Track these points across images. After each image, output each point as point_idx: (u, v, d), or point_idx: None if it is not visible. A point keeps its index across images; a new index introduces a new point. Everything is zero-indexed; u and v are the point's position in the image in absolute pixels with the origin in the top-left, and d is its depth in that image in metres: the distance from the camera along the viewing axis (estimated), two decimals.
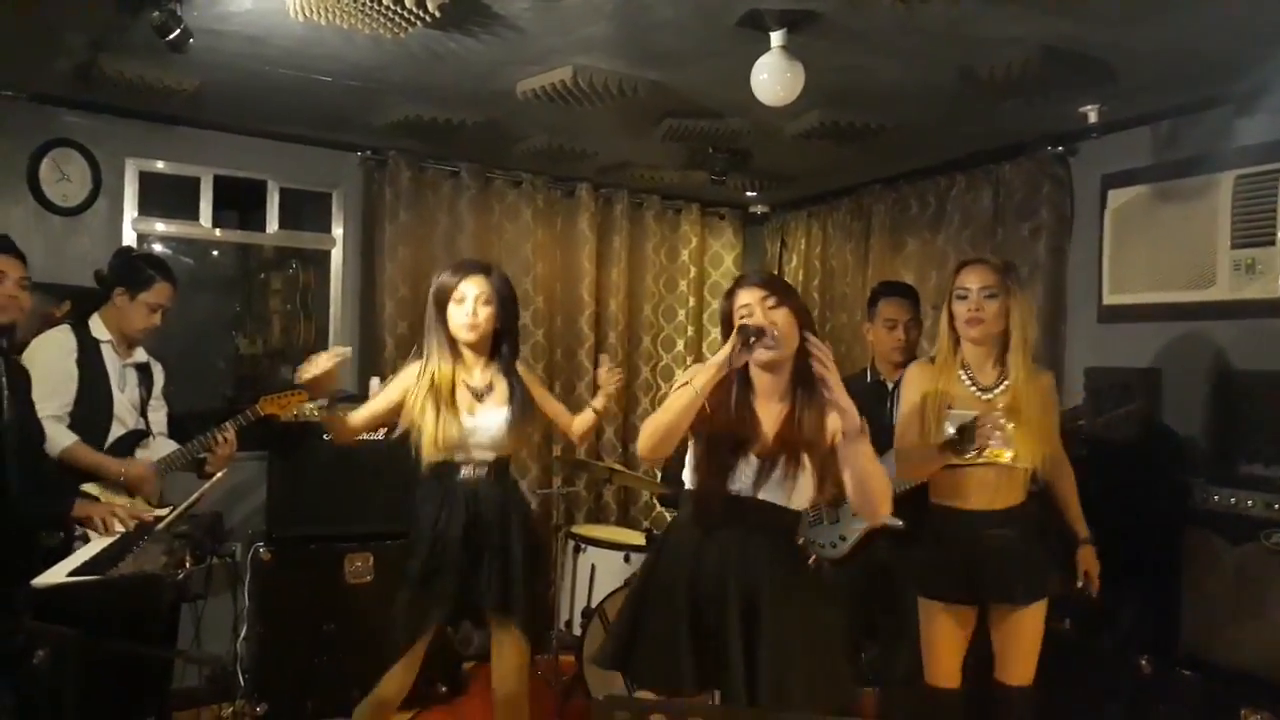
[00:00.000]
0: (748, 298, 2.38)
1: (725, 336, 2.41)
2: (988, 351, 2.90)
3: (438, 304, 3.02)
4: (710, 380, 2.26)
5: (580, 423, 3.37)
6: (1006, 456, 2.78)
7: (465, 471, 3.00)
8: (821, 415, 2.36)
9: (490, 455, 3.03)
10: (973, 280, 2.87)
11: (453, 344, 3.03)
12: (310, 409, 3.87)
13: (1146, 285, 3.82)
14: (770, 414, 2.40)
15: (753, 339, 2.28)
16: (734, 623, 2.28)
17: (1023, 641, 2.85)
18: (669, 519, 5.16)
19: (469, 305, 2.98)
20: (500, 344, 3.10)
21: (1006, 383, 2.85)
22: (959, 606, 2.89)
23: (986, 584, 2.83)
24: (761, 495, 2.34)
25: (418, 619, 2.92)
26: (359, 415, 3.04)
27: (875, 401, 3.75)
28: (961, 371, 2.91)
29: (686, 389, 2.27)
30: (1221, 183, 3.56)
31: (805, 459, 2.35)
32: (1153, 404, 3.56)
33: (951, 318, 2.92)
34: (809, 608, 2.36)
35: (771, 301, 2.36)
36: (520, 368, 3.17)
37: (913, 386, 2.95)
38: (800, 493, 2.37)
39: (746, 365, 2.38)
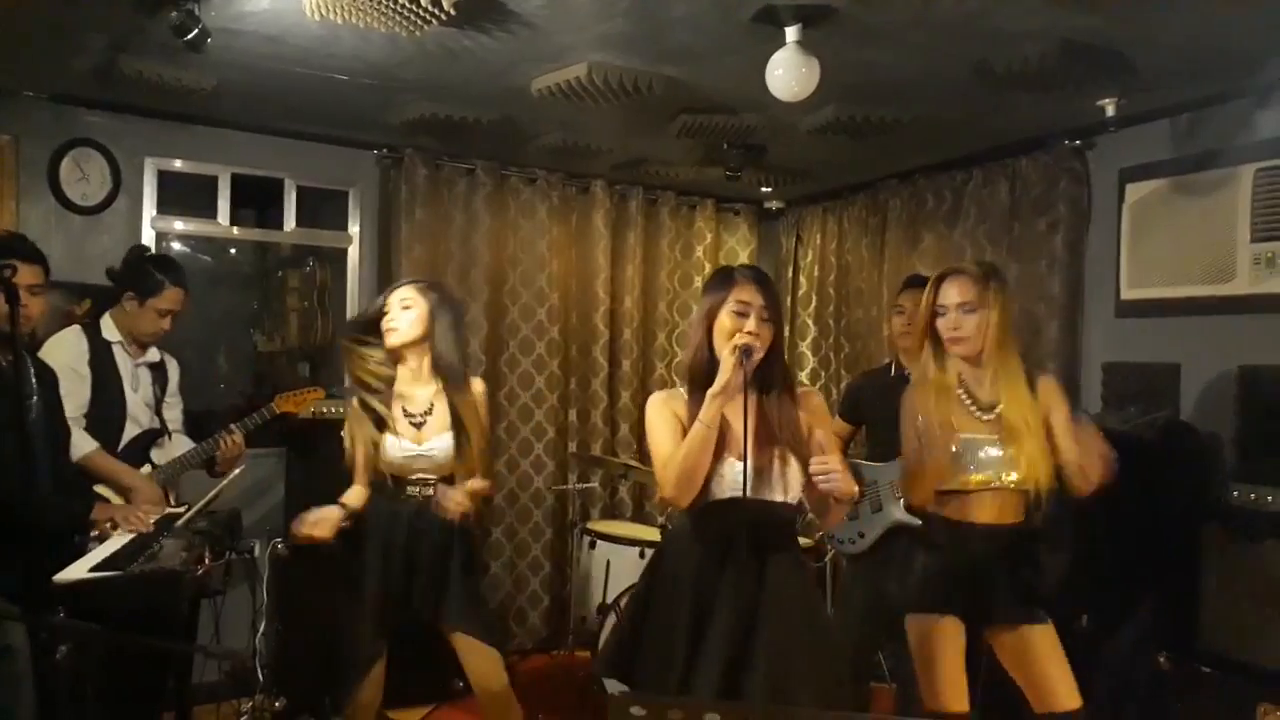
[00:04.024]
0: (748, 295, 2.37)
1: (707, 326, 2.39)
2: (982, 363, 2.72)
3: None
4: (719, 411, 2.28)
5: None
6: (1010, 479, 2.66)
7: (410, 490, 2.99)
8: (792, 407, 2.40)
9: (433, 477, 3.00)
10: (950, 295, 2.71)
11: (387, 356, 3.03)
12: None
13: (1165, 280, 3.79)
14: (738, 413, 2.35)
15: (745, 358, 2.27)
16: (739, 626, 2.28)
17: (1040, 662, 2.63)
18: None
19: (393, 311, 2.98)
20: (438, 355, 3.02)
21: (1000, 404, 2.68)
22: (947, 618, 2.68)
23: (976, 599, 2.66)
24: (750, 494, 2.32)
25: (372, 638, 2.94)
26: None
27: (899, 395, 3.74)
28: (960, 390, 2.74)
29: (697, 427, 2.28)
30: (1241, 176, 3.53)
31: (788, 454, 2.36)
32: (1172, 400, 3.53)
33: (935, 332, 2.77)
34: (812, 602, 2.36)
35: (768, 314, 2.36)
36: (476, 385, 3.07)
37: (910, 408, 2.80)
38: (789, 486, 2.37)
39: (705, 368, 2.37)
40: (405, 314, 2.98)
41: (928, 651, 2.68)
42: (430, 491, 2.96)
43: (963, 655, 2.68)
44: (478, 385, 3.07)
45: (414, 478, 2.98)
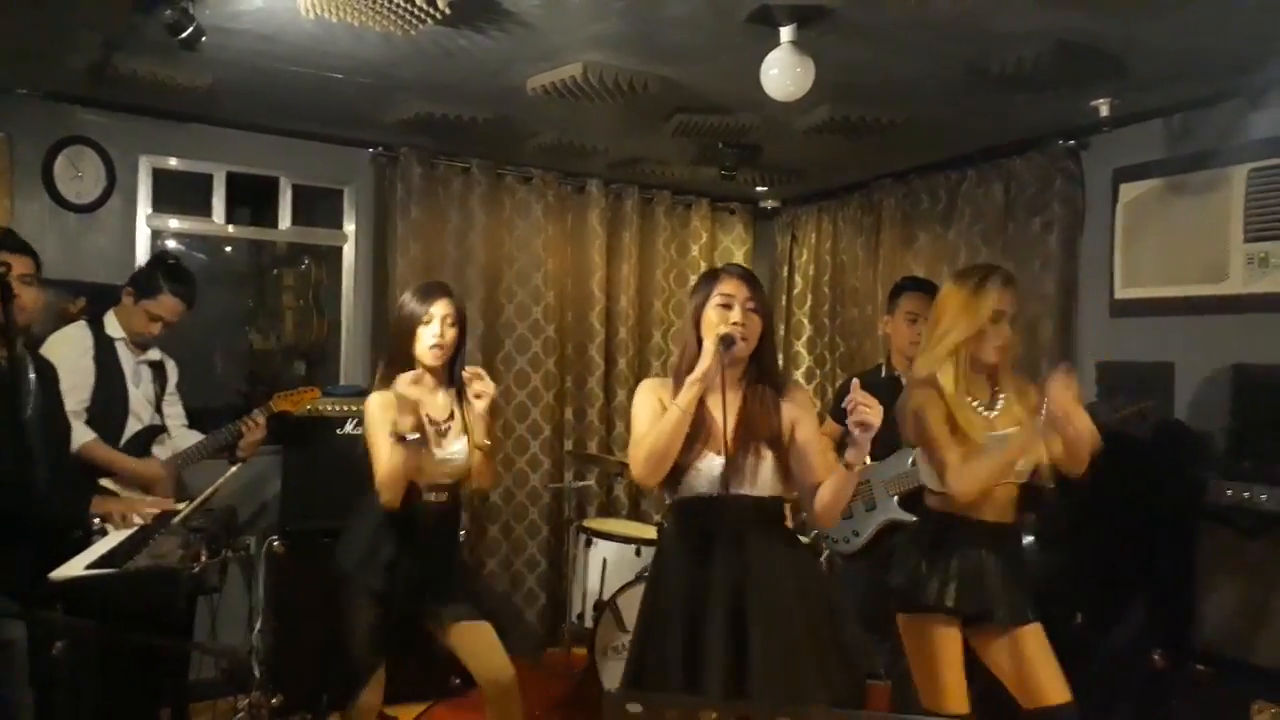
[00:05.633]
0: (731, 288, 2.39)
1: (695, 324, 2.42)
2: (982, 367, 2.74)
3: (403, 331, 2.93)
4: (696, 396, 2.29)
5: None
6: (1019, 467, 2.62)
7: (427, 497, 2.95)
8: (774, 404, 2.41)
9: (448, 481, 2.98)
10: (1007, 301, 2.65)
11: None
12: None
13: (1159, 279, 3.81)
14: (720, 409, 2.38)
15: (727, 348, 2.30)
16: (733, 622, 2.28)
17: (1031, 661, 2.59)
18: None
19: (435, 326, 2.90)
20: (454, 367, 2.99)
21: (1002, 398, 2.72)
22: (945, 617, 2.63)
23: (977, 599, 2.61)
24: (733, 490, 2.34)
25: (379, 643, 2.93)
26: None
27: (892, 397, 3.74)
28: (967, 395, 2.70)
29: (673, 409, 2.30)
30: (1234, 176, 3.54)
31: (765, 449, 2.38)
32: (1165, 398, 3.55)
33: (974, 344, 2.66)
34: (810, 592, 2.37)
35: (752, 305, 2.38)
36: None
37: (935, 413, 2.70)
38: (767, 482, 2.39)
39: (694, 364, 2.39)
40: (451, 330, 2.93)
41: (928, 651, 2.65)
42: (445, 496, 2.97)
43: (957, 653, 2.65)
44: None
45: (430, 484, 2.95)
